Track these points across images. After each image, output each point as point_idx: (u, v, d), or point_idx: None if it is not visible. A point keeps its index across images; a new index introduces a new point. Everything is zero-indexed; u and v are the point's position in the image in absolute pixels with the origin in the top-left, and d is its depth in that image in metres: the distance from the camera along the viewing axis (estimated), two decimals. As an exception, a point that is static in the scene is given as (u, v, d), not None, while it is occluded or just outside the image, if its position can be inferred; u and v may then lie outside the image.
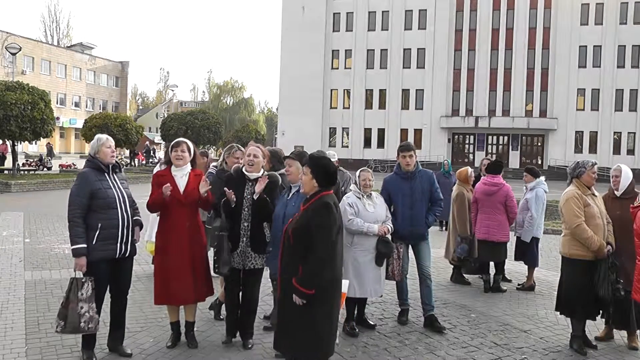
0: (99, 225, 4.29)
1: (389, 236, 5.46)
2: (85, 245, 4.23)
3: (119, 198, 4.41)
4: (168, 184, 4.55)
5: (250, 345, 4.84)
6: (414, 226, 5.61)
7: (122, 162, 33.44)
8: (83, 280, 4.21)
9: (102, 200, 4.32)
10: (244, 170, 4.83)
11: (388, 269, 5.46)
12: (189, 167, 4.79)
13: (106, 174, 4.44)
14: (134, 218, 4.57)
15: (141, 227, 4.66)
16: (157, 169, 6.91)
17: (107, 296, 4.61)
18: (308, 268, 3.55)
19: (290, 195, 4.78)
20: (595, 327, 5.59)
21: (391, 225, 5.46)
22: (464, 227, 7.39)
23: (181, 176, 4.73)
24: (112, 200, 4.36)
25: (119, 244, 4.38)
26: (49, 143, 35.26)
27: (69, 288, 4.21)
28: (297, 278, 3.56)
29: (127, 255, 4.47)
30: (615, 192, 5.23)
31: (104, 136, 4.57)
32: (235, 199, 4.65)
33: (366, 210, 5.32)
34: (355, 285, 5.22)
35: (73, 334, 4.38)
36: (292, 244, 3.66)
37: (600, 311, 5.22)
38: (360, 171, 5.53)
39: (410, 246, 5.77)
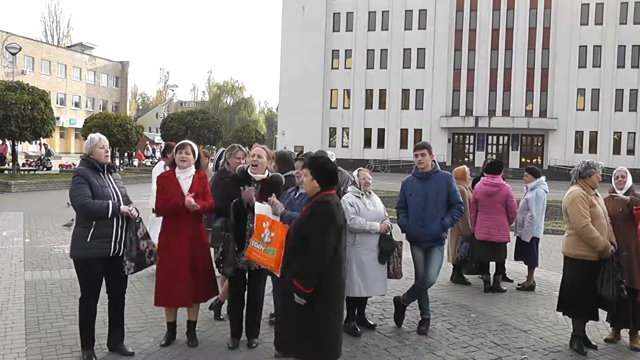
0: (94, 223, 4.28)
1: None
2: (114, 201, 4.34)
3: (115, 197, 4.40)
4: (194, 203, 4.56)
5: (254, 345, 4.84)
6: (425, 227, 5.44)
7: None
8: (137, 221, 4.43)
9: (99, 198, 4.30)
10: (249, 171, 4.82)
11: (389, 267, 5.43)
12: (193, 169, 4.79)
13: (102, 173, 4.44)
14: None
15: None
16: (157, 168, 6.88)
17: (106, 297, 4.62)
18: (299, 264, 3.54)
19: (297, 194, 4.80)
20: (595, 327, 5.59)
21: (390, 223, 5.44)
22: (466, 226, 7.37)
23: (185, 178, 4.73)
24: (109, 198, 4.35)
25: (113, 242, 4.36)
26: (45, 143, 34.95)
27: (130, 231, 4.40)
28: (293, 275, 3.56)
29: (120, 254, 4.44)
30: (619, 191, 5.32)
31: (97, 136, 4.50)
32: (254, 198, 4.60)
33: (367, 209, 5.31)
34: (361, 285, 5.22)
35: (140, 271, 4.59)
36: (292, 244, 3.66)
37: (607, 314, 5.25)
38: (359, 171, 5.51)
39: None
